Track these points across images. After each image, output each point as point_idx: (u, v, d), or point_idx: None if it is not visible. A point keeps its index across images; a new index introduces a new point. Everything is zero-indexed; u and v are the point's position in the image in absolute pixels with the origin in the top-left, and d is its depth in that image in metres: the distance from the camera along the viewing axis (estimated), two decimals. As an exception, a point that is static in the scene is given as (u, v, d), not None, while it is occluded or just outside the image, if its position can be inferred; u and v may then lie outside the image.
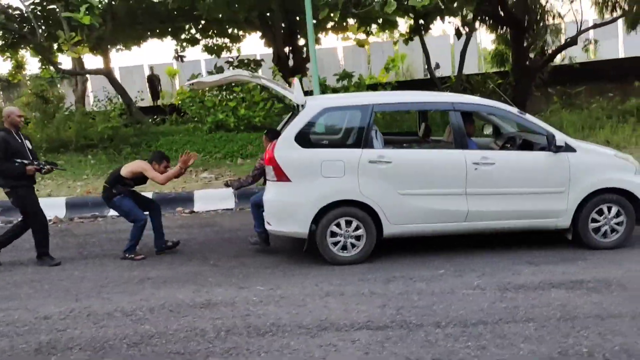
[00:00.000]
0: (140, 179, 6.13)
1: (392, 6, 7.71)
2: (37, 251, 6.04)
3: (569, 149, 5.61)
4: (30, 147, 6.02)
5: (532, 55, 15.43)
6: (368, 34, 15.01)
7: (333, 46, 20.63)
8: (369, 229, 5.48)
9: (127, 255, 6.05)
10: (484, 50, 21.96)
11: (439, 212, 5.52)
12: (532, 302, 4.33)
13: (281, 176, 5.44)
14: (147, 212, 6.18)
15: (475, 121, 6.62)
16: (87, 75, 16.58)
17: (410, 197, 5.48)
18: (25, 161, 5.78)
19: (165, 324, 4.17)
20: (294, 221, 5.48)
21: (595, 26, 15.58)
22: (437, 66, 18.26)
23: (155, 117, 15.81)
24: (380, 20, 13.45)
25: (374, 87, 15.60)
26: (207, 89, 12.84)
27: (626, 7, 13.73)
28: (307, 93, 7.60)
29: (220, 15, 12.96)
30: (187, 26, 15.73)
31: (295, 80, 5.90)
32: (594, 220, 5.64)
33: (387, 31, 15.85)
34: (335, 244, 5.50)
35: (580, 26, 14.64)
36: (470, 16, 14.07)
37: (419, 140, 6.89)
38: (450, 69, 19.08)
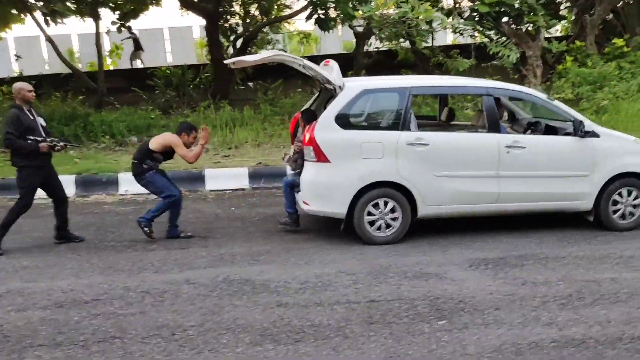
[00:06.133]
0: (169, 153, 5.91)
1: None
2: (58, 228, 5.87)
3: (594, 134, 5.84)
4: (43, 124, 5.80)
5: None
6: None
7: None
8: (404, 210, 5.59)
9: (143, 225, 5.74)
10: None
11: (471, 194, 5.68)
12: None
13: (321, 157, 5.49)
14: None
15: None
16: None
17: (445, 179, 5.61)
18: (39, 138, 5.58)
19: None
20: (333, 201, 5.56)
21: (267, 23, 14.95)
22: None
23: None
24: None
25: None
26: None
27: None
28: None
29: None
30: None
31: (332, 62, 5.89)
32: (615, 203, 5.89)
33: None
34: (371, 224, 5.60)
35: (254, 20, 14.17)
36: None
37: (444, 124, 7.03)
38: (195, 59, 18.46)
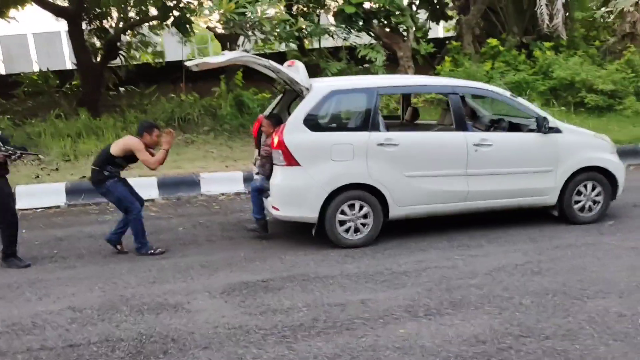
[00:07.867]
0: (132, 157, 5.49)
1: None
2: (3, 251, 5.33)
3: (557, 130, 5.82)
4: (1, 134, 5.42)
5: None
6: None
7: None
8: (376, 211, 5.43)
9: (143, 252, 5.48)
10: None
11: (441, 193, 5.59)
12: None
13: (290, 160, 5.27)
14: None
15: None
16: None
17: (416, 179, 5.50)
18: None
19: None
20: (304, 206, 5.36)
21: (131, 25, 13.46)
22: None
23: None
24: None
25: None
26: None
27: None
28: None
29: None
30: None
31: (297, 63, 5.60)
32: (577, 197, 5.92)
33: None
34: (343, 227, 5.41)
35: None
36: None
37: (409, 124, 6.94)
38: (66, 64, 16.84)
